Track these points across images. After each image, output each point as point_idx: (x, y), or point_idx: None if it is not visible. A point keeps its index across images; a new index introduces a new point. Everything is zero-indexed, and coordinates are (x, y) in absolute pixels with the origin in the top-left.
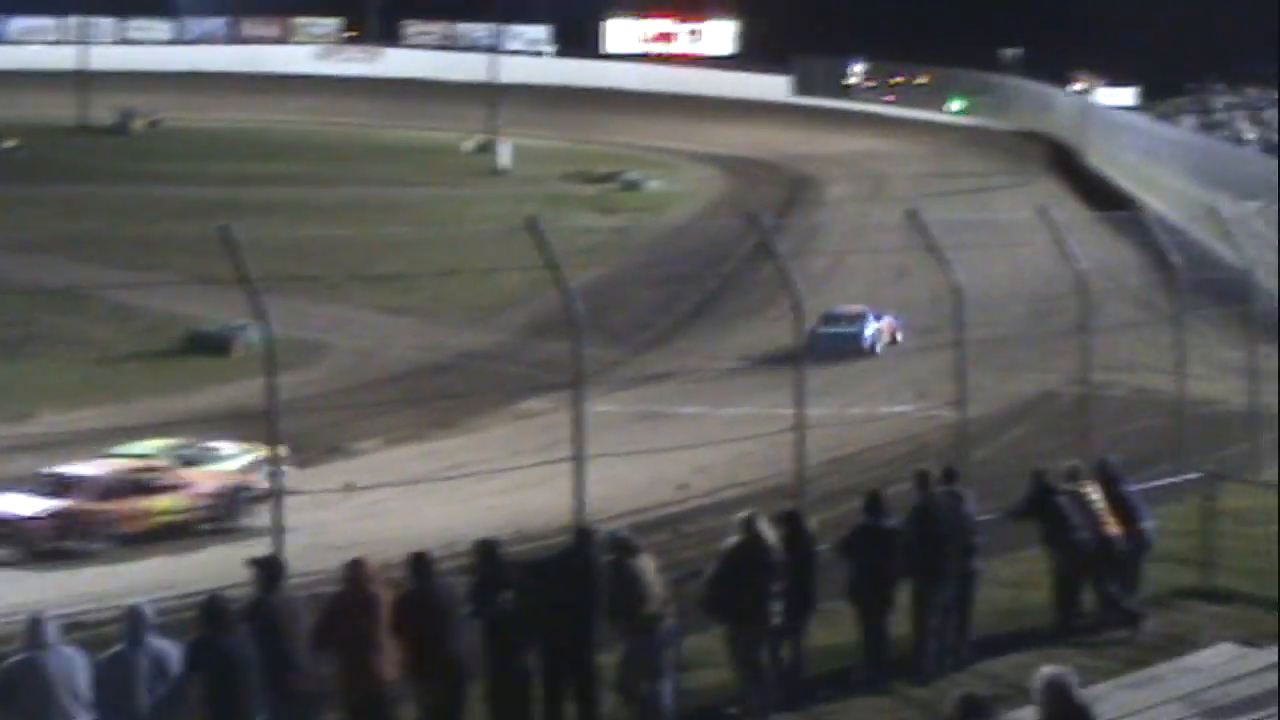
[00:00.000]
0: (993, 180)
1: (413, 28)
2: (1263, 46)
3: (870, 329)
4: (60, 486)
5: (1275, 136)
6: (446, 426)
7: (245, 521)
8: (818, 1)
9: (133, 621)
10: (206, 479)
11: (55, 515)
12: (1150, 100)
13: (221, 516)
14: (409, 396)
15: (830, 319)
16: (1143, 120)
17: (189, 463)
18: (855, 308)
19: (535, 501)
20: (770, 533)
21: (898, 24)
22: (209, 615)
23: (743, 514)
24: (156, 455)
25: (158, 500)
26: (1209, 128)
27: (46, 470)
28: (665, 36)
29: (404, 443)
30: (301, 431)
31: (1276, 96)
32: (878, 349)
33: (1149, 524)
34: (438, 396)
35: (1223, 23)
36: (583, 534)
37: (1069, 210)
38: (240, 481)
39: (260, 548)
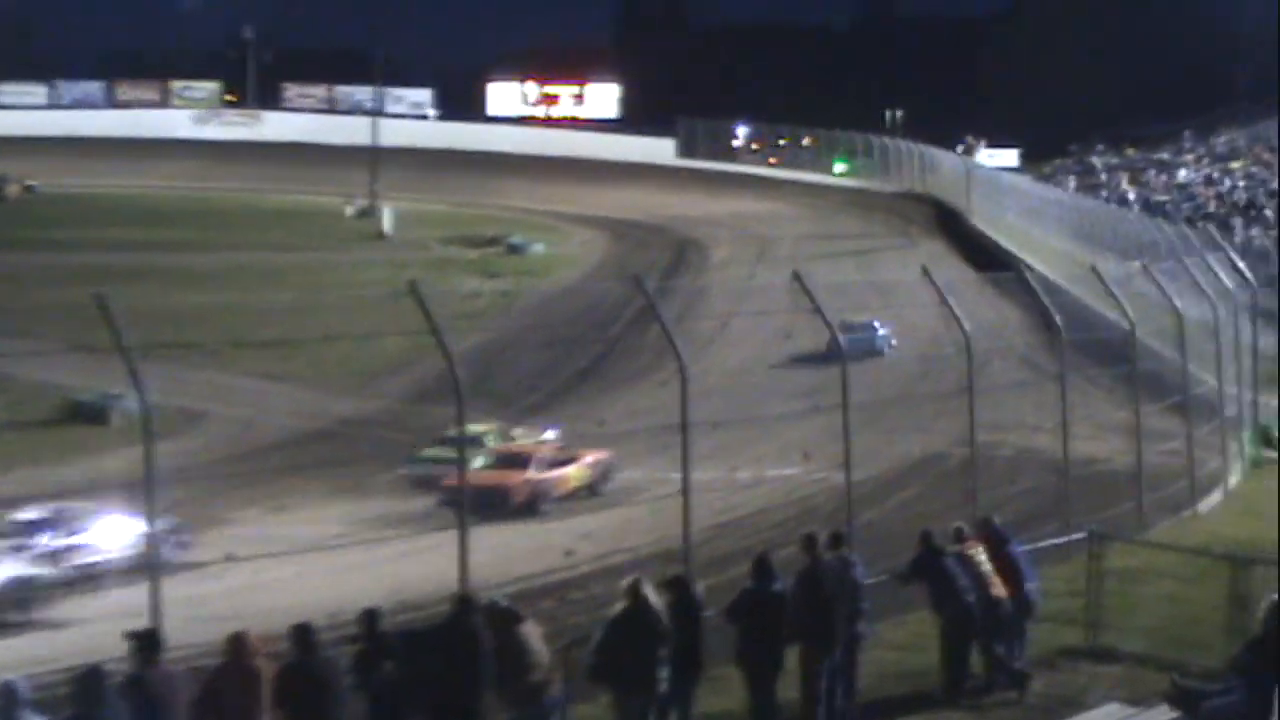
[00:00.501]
0: (877, 242)
1: (293, 90)
2: (1141, 109)
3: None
4: (514, 459)
5: (1155, 196)
6: (329, 494)
7: (608, 488)
8: (702, 65)
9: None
10: (589, 453)
11: (526, 482)
12: (1033, 161)
13: (597, 483)
14: (291, 464)
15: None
16: (1025, 181)
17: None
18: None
19: (420, 570)
20: (657, 598)
21: (782, 88)
22: (83, 690)
23: (628, 579)
24: (491, 434)
25: (573, 470)
26: (1091, 188)
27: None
28: (549, 100)
29: (286, 511)
30: (180, 501)
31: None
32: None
33: (1033, 585)
34: (320, 464)
35: (1103, 86)
36: (465, 602)
37: (954, 271)
38: (610, 457)
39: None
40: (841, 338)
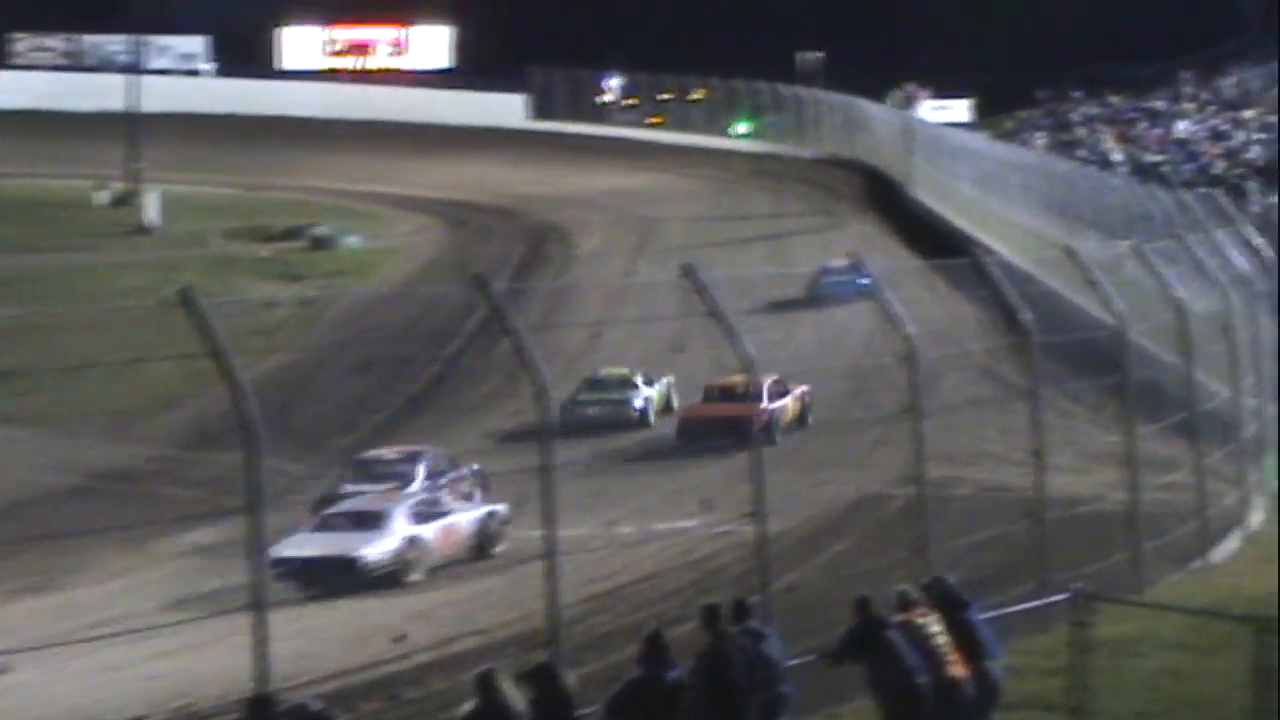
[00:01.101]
0: (793, 223)
1: (24, 43)
2: (1127, 45)
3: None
4: (730, 392)
5: (1148, 156)
6: (86, 570)
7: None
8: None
9: None
10: (797, 386)
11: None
12: (991, 115)
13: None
14: (36, 533)
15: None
16: (981, 140)
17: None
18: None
19: (208, 665)
20: (516, 694)
21: (663, 26)
22: None
23: (479, 671)
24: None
25: (789, 401)
26: (1066, 146)
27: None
28: (360, 48)
29: (30, 593)
30: None
31: (1145, 106)
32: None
33: (999, 662)
34: (74, 531)
35: (1079, 14)
36: (259, 706)
37: (891, 258)
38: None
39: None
40: (748, 344)
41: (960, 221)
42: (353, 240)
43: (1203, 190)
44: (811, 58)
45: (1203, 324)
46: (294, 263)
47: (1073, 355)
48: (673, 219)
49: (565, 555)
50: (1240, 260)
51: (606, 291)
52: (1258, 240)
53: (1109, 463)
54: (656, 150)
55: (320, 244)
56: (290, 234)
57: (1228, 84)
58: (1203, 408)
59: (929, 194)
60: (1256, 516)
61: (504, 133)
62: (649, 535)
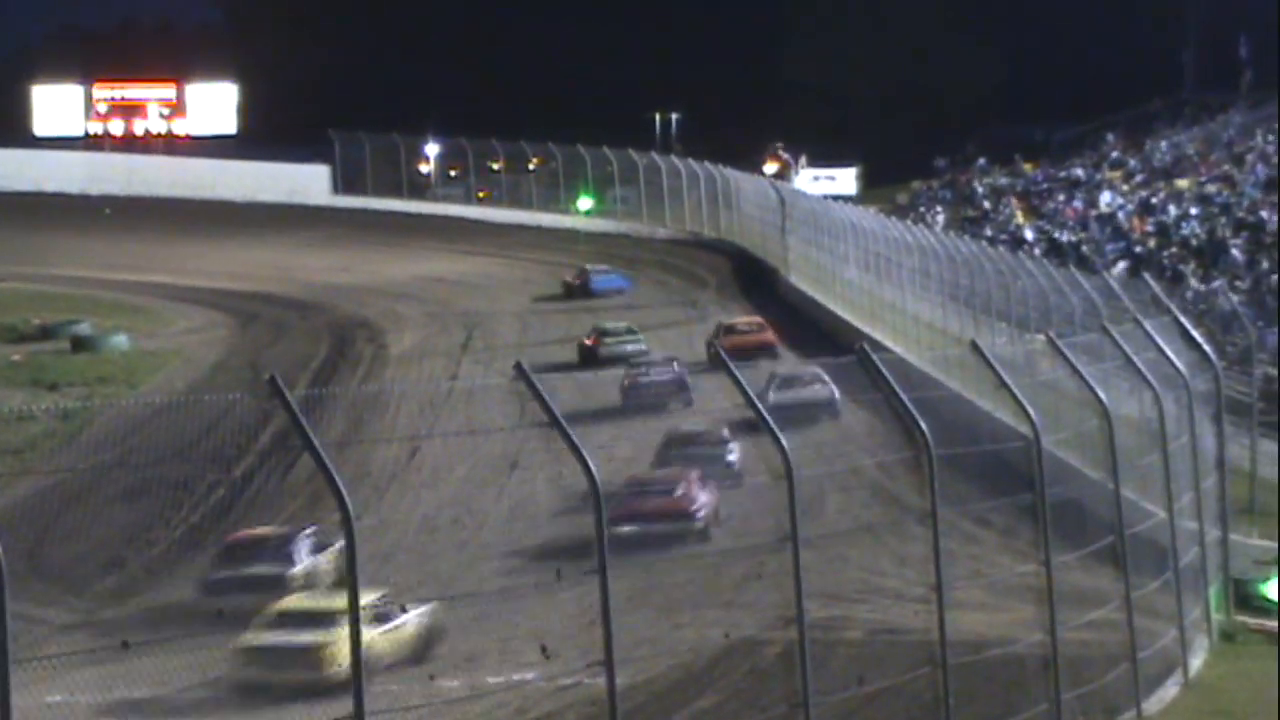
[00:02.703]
0: (647, 315)
1: None
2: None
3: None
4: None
5: (1065, 235)
6: None
7: None
8: (366, 50)
9: None
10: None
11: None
12: (879, 185)
13: None
14: None
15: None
16: (870, 217)
17: None
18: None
19: None
20: None
21: (490, 84)
22: None
23: None
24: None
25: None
26: (969, 223)
27: None
28: (130, 110)
29: None
30: None
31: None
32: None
33: None
34: None
35: (986, 66)
36: None
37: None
38: None
39: None
40: (593, 463)
41: (846, 313)
42: (121, 340)
43: (1132, 275)
44: (667, 120)
45: (1132, 431)
46: (49, 367)
47: (980, 470)
48: (502, 313)
49: (377, 717)
50: (1176, 357)
51: (425, 398)
52: (1196, 334)
53: (1023, 597)
54: (484, 230)
55: (81, 345)
56: (45, 333)
57: (1161, 148)
58: (1133, 530)
59: (807, 280)
60: (1197, 659)
61: (302, 210)
62: (477, 689)
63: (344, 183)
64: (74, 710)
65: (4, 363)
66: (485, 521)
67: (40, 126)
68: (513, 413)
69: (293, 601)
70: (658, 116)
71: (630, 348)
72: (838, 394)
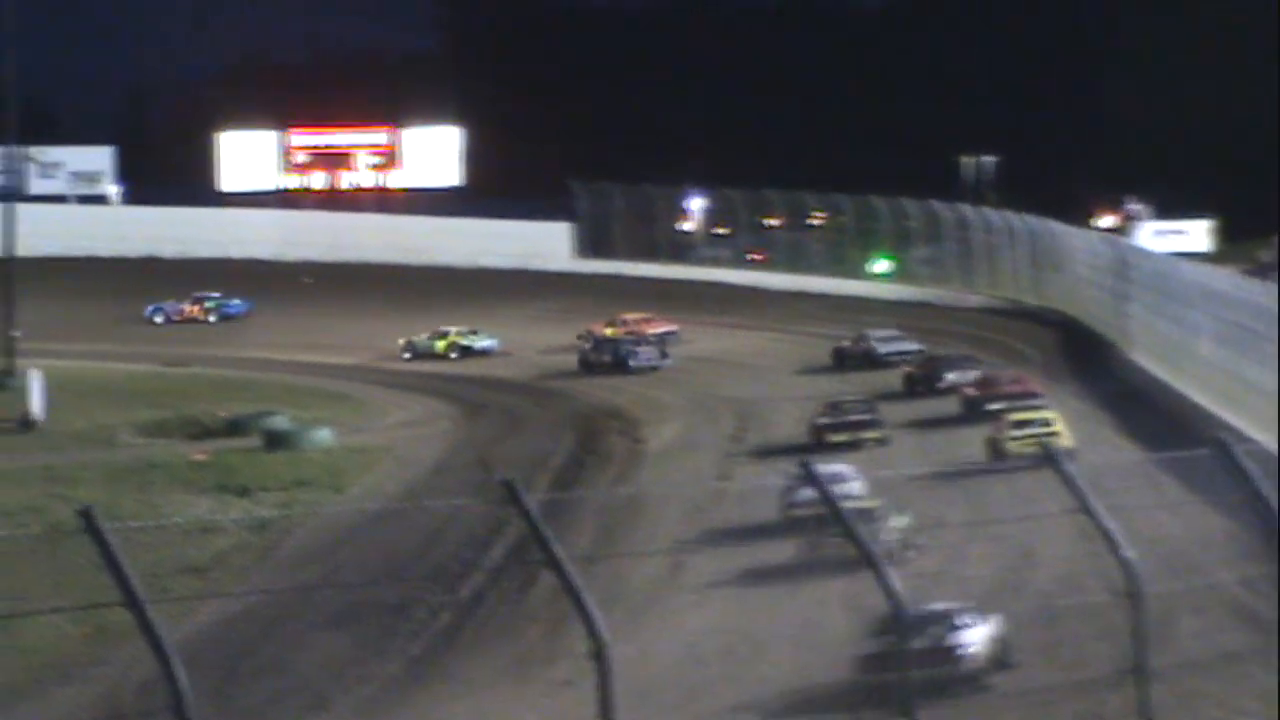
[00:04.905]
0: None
1: None
2: None
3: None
4: None
5: None
6: None
7: None
8: (612, 84)
9: None
10: None
11: None
12: (1240, 239)
13: None
14: None
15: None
16: (1228, 279)
17: None
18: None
19: None
20: None
21: (762, 124)
22: None
23: None
24: None
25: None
26: None
27: None
28: (334, 159)
29: None
30: None
31: None
32: None
33: None
34: None
35: None
36: None
37: (1101, 448)
38: None
39: None
40: (892, 578)
41: (1201, 396)
42: (323, 435)
43: None
44: (978, 162)
45: None
46: (239, 469)
47: None
48: (779, 398)
49: None
50: None
51: (689, 502)
52: None
53: None
54: (757, 298)
55: (277, 441)
56: (234, 427)
57: None
58: None
59: (1152, 356)
60: None
61: (538, 276)
62: None
63: (588, 243)
64: None
65: (186, 463)
66: (764, 651)
67: (227, 180)
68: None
69: None
70: (966, 161)
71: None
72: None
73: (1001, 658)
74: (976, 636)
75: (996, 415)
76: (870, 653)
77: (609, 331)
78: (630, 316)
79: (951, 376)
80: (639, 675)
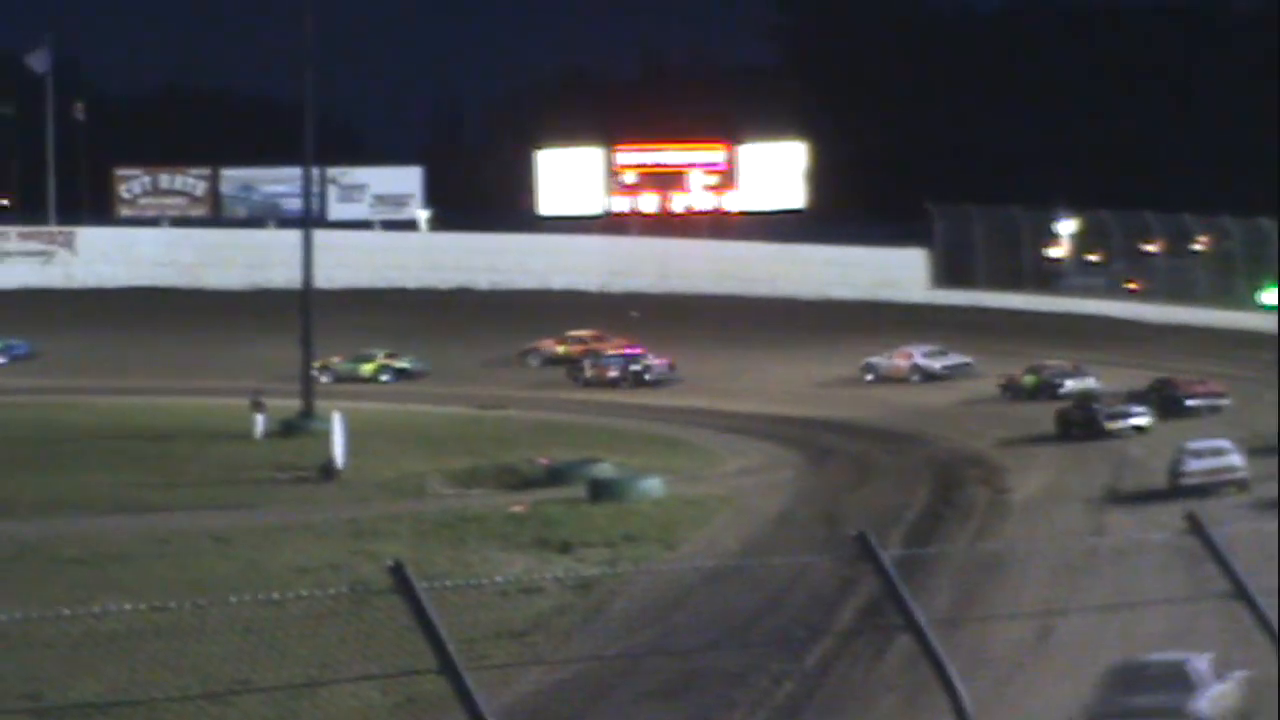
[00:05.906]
0: None
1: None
2: None
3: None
4: None
5: None
6: None
7: None
8: (973, 94)
9: None
10: None
11: None
12: None
13: None
14: None
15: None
16: None
17: None
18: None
19: None
20: None
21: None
22: None
23: None
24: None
25: None
26: None
27: None
28: (665, 179)
29: None
30: None
31: None
32: None
33: None
34: None
35: None
36: None
37: None
38: None
39: None
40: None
41: None
42: (653, 485)
43: None
44: None
45: None
46: (561, 522)
47: None
48: (1160, 444)
49: None
50: None
51: (1060, 560)
52: None
53: None
54: (1134, 332)
55: (601, 492)
56: (554, 476)
57: None
58: None
59: None
60: None
61: (892, 307)
62: None
63: (946, 271)
64: None
65: (503, 516)
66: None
67: (546, 202)
68: (1183, 580)
69: None
70: None
71: None
72: None
73: None
74: None
75: None
76: None
77: (560, 350)
78: (581, 333)
79: None
80: None
